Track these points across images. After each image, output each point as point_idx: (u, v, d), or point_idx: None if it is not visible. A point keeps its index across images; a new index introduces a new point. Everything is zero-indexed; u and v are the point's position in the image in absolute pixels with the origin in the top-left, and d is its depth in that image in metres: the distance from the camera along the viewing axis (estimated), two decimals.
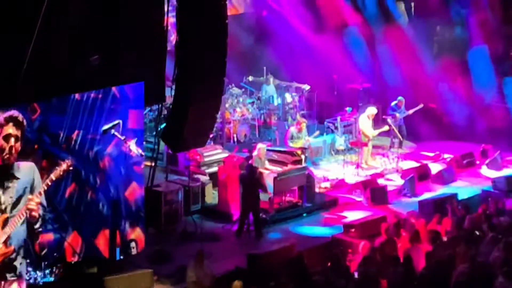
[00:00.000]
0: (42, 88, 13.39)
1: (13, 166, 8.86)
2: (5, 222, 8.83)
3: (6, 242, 8.85)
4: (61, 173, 8.86)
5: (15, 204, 8.87)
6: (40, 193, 8.83)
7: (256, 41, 24.76)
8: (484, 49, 23.81)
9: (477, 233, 14.91)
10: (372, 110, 21.84)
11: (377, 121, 22.73)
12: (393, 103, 22.85)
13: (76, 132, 14.15)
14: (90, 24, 14.06)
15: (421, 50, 24.51)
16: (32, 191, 8.88)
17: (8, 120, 8.78)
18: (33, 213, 8.78)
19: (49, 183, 8.83)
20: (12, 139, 8.77)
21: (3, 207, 8.84)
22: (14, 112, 8.87)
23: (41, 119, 13.63)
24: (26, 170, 8.94)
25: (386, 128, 21.99)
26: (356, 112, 23.10)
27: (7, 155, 8.75)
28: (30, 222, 8.91)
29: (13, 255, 8.94)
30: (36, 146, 13.43)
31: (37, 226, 8.97)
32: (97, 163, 14.51)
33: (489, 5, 24.29)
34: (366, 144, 21.47)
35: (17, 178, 8.86)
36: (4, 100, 12.35)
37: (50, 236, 13.83)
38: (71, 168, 8.92)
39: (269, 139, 22.36)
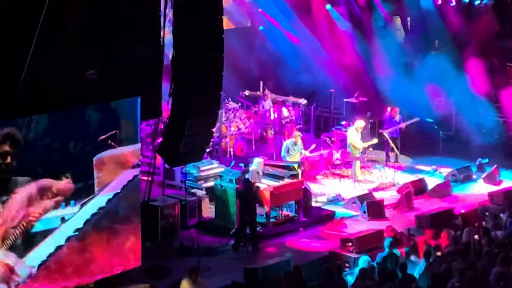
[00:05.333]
0: (40, 103, 13.37)
1: (10, 181, 8.88)
2: (5, 234, 8.85)
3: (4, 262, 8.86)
4: (55, 205, 8.87)
5: (14, 217, 8.88)
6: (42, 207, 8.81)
7: (253, 55, 24.77)
8: None
9: (474, 247, 14.90)
10: (360, 123, 21.74)
11: (374, 134, 22.74)
12: (387, 111, 22.88)
13: (77, 144, 14.10)
14: (88, 39, 14.09)
15: (417, 64, 24.55)
16: (29, 204, 8.90)
17: (5, 138, 8.81)
18: (32, 223, 8.80)
19: (43, 213, 8.83)
20: (9, 157, 8.81)
21: (1, 220, 8.85)
22: (12, 130, 8.88)
23: (43, 133, 13.58)
24: (23, 183, 8.98)
25: (375, 141, 21.98)
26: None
27: (3, 172, 8.77)
28: (24, 238, 8.92)
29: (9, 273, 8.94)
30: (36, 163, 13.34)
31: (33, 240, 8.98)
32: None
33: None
34: (358, 158, 21.42)
35: (15, 192, 8.89)
36: (3, 114, 12.35)
37: None
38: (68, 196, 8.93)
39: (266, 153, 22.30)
